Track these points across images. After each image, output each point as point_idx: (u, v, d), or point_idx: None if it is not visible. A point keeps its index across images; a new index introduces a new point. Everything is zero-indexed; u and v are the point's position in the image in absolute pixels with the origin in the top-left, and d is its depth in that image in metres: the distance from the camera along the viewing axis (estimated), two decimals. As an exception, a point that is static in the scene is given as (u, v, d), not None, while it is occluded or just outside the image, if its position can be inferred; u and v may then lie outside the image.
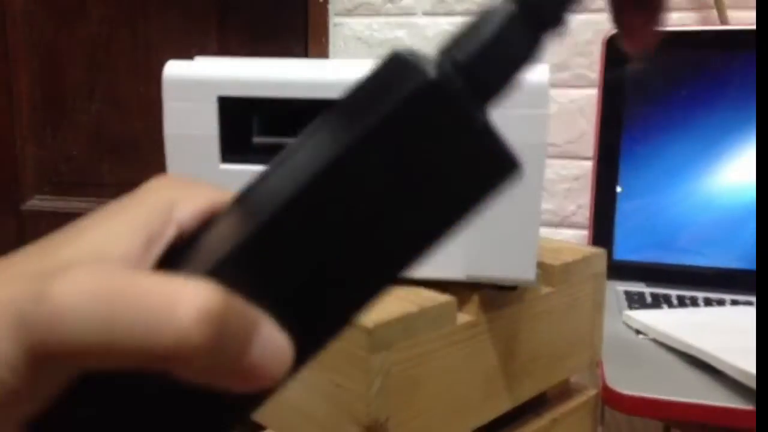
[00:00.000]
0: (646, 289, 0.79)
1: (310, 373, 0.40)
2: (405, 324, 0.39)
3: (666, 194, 0.83)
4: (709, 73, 0.82)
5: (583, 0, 0.19)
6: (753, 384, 0.54)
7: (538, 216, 0.41)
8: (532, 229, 0.41)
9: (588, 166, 0.95)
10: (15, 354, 0.15)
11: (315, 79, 0.41)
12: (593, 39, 0.95)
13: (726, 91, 0.81)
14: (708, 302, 0.76)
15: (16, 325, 0.15)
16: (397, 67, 0.17)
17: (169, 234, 0.19)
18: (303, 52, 1.07)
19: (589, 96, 0.96)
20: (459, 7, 0.98)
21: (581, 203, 0.99)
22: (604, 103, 0.86)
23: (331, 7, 1.02)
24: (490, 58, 0.17)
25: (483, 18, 0.18)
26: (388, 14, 1.01)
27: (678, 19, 0.93)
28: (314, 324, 0.17)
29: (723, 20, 0.89)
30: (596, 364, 0.56)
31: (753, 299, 0.74)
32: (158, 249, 0.18)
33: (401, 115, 0.16)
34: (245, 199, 0.20)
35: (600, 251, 0.53)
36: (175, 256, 0.18)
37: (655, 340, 0.66)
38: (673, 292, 0.78)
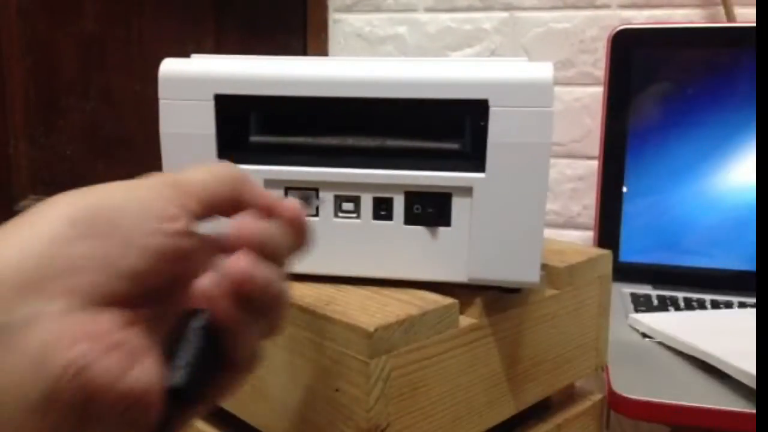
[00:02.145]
0: (653, 292, 0.79)
1: (309, 377, 0.39)
2: (406, 327, 0.38)
3: (673, 194, 0.82)
4: (716, 70, 0.81)
5: None
6: (762, 388, 0.53)
7: (543, 217, 0.40)
8: (536, 230, 0.40)
9: (593, 165, 0.94)
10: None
11: (314, 77, 0.40)
12: (598, 36, 0.94)
13: (733, 89, 0.80)
14: (715, 305, 0.75)
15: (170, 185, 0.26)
16: None
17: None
18: (302, 49, 1.07)
19: (595, 94, 0.95)
20: (461, 3, 0.97)
21: (586, 204, 0.98)
22: (610, 101, 0.85)
23: (331, 3, 1.01)
24: None
25: None
26: (389, 10, 1.00)
27: (684, 16, 0.92)
28: None
29: (730, 17, 0.88)
30: (602, 368, 0.55)
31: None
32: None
33: None
34: None
35: (605, 253, 0.53)
36: None
37: (661, 344, 0.65)
38: (680, 295, 0.77)
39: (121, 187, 0.26)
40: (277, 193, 0.42)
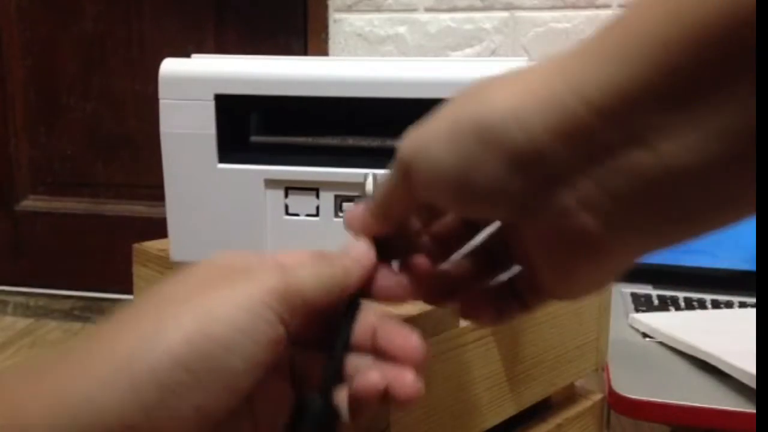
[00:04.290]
0: (653, 292, 0.78)
1: (308, 378, 0.39)
2: (406, 328, 0.38)
3: (672, 194, 0.82)
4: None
5: None
6: (763, 388, 0.53)
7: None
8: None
9: (593, 165, 0.94)
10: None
11: (314, 77, 0.40)
12: (598, 36, 0.94)
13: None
14: (716, 304, 0.75)
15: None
16: None
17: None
18: (302, 49, 1.07)
19: (594, 94, 0.95)
20: (461, 3, 0.97)
21: (586, 203, 0.97)
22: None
23: (331, 3, 1.01)
24: None
25: None
26: (389, 10, 0.99)
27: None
28: None
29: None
30: (602, 368, 0.55)
31: (761, 301, 0.72)
32: None
33: None
34: None
35: (606, 252, 0.52)
36: None
37: (662, 344, 0.65)
38: (681, 295, 0.77)
39: (226, 305, 0.24)
40: (277, 194, 0.42)
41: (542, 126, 0.20)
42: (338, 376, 0.27)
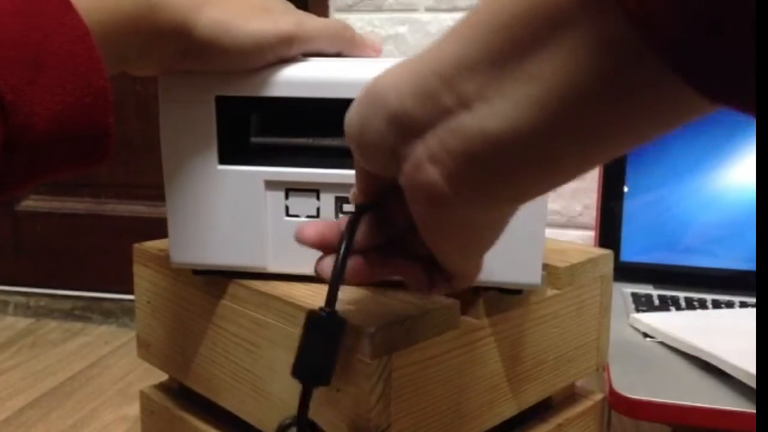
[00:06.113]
0: (654, 291, 0.78)
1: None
2: (407, 327, 0.38)
3: (674, 194, 0.82)
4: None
5: None
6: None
7: (545, 217, 0.40)
8: (538, 232, 0.40)
9: (593, 165, 0.94)
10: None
11: (314, 78, 0.40)
12: (598, 36, 0.94)
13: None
14: (716, 304, 0.75)
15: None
16: None
17: None
18: (303, 49, 1.06)
19: (594, 94, 0.95)
20: (461, 3, 0.97)
21: (587, 203, 0.97)
22: (610, 101, 0.84)
23: (332, 3, 1.01)
24: None
25: None
26: (389, 10, 0.99)
27: (685, 16, 0.91)
28: None
29: (730, 16, 0.88)
30: (602, 368, 0.55)
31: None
32: None
33: None
34: None
35: (607, 252, 0.53)
36: None
37: (662, 343, 0.65)
38: (681, 294, 0.77)
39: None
40: (278, 195, 0.42)
41: (408, 91, 0.25)
42: (340, 283, 0.32)
